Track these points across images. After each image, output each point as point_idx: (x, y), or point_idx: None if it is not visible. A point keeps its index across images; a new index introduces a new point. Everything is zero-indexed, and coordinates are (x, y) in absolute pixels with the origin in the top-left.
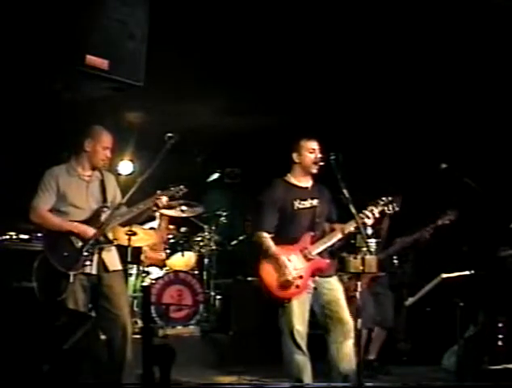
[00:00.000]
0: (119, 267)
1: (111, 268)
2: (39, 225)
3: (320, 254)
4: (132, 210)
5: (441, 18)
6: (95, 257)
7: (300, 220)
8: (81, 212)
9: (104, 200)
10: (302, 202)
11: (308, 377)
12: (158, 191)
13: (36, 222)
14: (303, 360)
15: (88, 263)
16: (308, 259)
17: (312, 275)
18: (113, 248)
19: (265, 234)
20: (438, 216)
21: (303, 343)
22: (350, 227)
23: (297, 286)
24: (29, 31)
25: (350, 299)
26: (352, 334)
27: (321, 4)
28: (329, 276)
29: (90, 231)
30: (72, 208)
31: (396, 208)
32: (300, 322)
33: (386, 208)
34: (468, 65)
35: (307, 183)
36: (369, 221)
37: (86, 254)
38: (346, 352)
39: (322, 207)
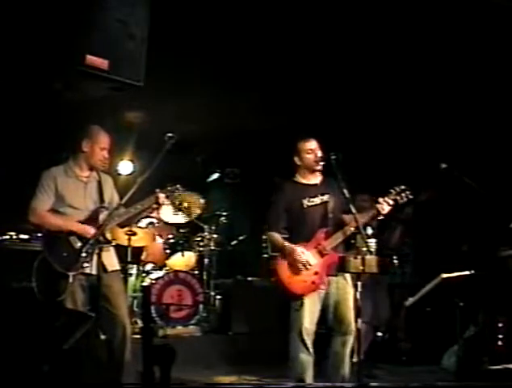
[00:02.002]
0: (117, 267)
1: (109, 268)
2: (39, 226)
3: (335, 248)
4: (130, 210)
5: (441, 18)
6: (94, 257)
7: (311, 217)
8: (79, 212)
9: (101, 200)
10: (311, 199)
11: (309, 378)
12: (157, 190)
13: (36, 223)
14: (307, 360)
15: (87, 263)
16: (323, 255)
17: (328, 270)
18: (111, 248)
19: (274, 234)
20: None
21: (310, 342)
22: (365, 217)
23: (313, 282)
24: (29, 31)
25: None
26: (352, 333)
27: (319, 4)
28: (339, 274)
29: (91, 230)
30: (70, 208)
31: (410, 197)
32: (309, 321)
33: (399, 197)
34: (468, 65)
35: (315, 180)
36: (386, 210)
37: (84, 254)
38: (346, 352)
39: (334, 201)
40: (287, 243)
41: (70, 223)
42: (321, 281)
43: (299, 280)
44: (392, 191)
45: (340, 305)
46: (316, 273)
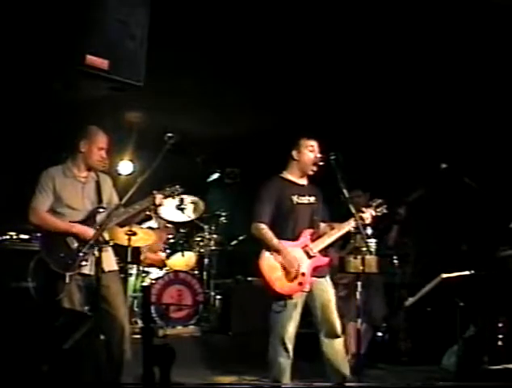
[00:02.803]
0: (114, 267)
1: (107, 269)
2: (39, 226)
3: (322, 251)
4: (128, 211)
5: (441, 18)
6: (92, 258)
7: (299, 216)
8: (77, 213)
9: (100, 201)
10: (300, 197)
11: (286, 379)
12: (154, 191)
13: (36, 224)
14: (285, 364)
15: (84, 263)
16: (310, 257)
17: (313, 272)
18: (109, 248)
19: (262, 226)
20: (408, 193)
21: (290, 345)
22: (349, 226)
23: (300, 283)
24: (29, 31)
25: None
26: (339, 332)
27: (320, 4)
28: (323, 276)
29: (90, 232)
30: (68, 209)
31: (385, 211)
32: (293, 325)
33: (377, 209)
34: (468, 65)
35: (303, 181)
36: (369, 219)
37: (81, 254)
38: (337, 349)
39: (318, 205)
40: (276, 241)
41: (69, 225)
42: (307, 283)
43: (286, 278)
44: (371, 204)
45: (324, 308)
46: (303, 274)
